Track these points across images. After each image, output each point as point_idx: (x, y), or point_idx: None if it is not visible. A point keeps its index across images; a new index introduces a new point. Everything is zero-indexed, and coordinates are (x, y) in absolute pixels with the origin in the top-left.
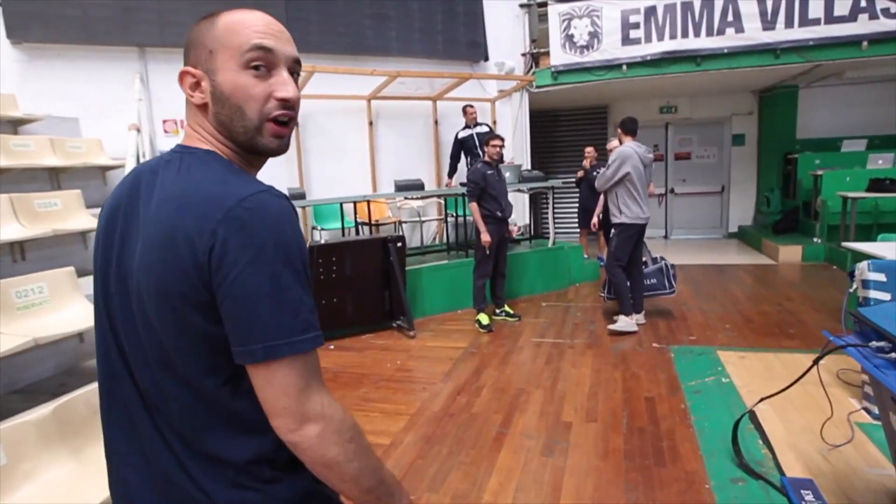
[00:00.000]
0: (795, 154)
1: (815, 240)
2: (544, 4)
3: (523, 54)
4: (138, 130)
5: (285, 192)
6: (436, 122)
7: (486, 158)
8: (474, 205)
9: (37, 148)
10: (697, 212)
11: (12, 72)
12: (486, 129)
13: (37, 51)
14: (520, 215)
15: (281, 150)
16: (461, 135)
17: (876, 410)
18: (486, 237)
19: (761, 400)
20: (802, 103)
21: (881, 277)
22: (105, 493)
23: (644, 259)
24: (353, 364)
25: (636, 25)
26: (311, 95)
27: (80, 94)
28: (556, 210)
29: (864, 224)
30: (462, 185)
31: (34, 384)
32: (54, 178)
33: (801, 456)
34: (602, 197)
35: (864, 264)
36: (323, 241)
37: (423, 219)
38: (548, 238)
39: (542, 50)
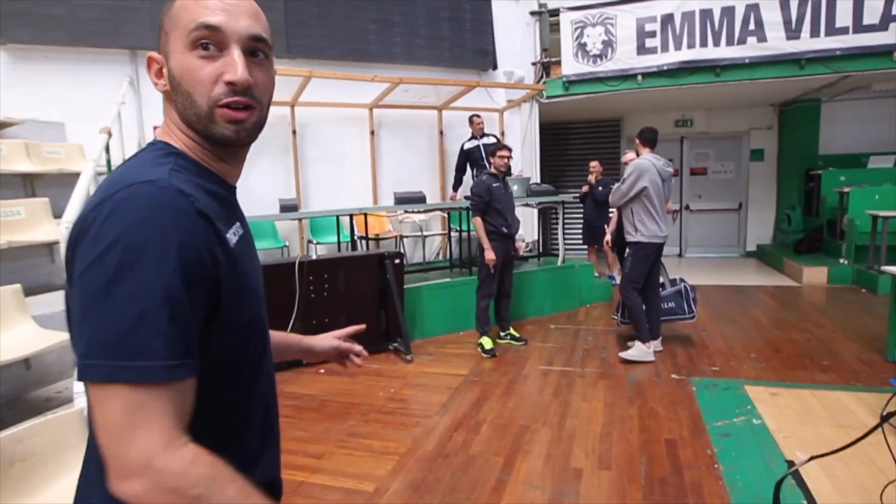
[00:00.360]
0: (818, 170)
1: (841, 261)
2: (556, 12)
3: (534, 63)
4: (110, 134)
5: (276, 202)
6: (441, 133)
7: (493, 170)
8: (478, 219)
9: (10, 153)
10: (713, 229)
11: None
12: (493, 140)
13: (22, 52)
14: (528, 231)
15: (240, 138)
16: (467, 146)
17: None
18: (490, 255)
19: (812, 458)
20: (825, 117)
21: None
22: None
23: (661, 281)
24: (342, 391)
25: (652, 34)
26: (311, 103)
27: (66, 97)
28: (566, 226)
29: (895, 245)
30: (466, 198)
31: None
32: (28, 184)
33: None
34: (616, 213)
35: None
36: (315, 257)
37: (425, 233)
38: (557, 255)
39: (554, 59)
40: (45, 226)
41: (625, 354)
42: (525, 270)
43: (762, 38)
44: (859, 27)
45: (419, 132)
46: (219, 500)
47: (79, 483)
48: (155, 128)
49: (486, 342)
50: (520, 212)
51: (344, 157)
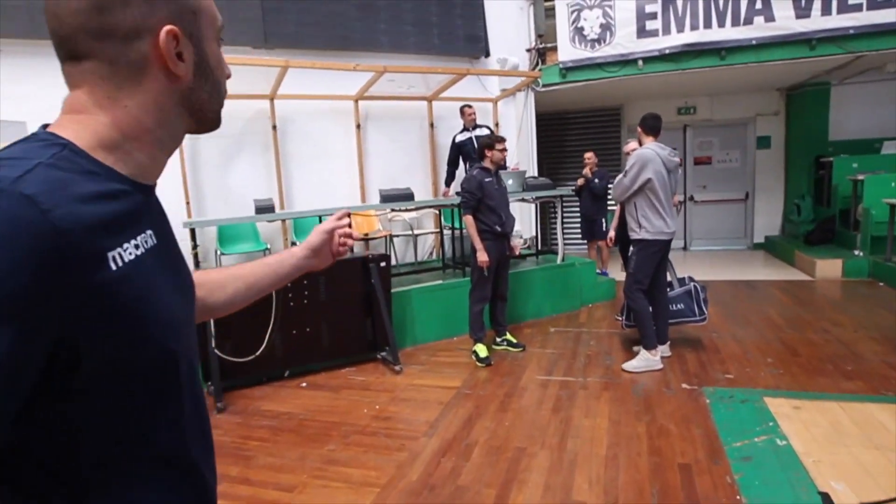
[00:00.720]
0: (829, 157)
1: (856, 252)
2: None
3: (528, 50)
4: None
5: (251, 203)
6: (431, 125)
7: (486, 164)
8: (469, 218)
9: None
10: (719, 221)
11: None
12: (486, 131)
13: None
14: (526, 227)
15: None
16: (459, 138)
17: None
18: (482, 256)
19: None
20: (835, 102)
21: None
22: None
23: (669, 280)
24: (323, 408)
25: (653, 16)
26: (291, 95)
27: (26, 94)
28: (565, 221)
29: None
30: (458, 194)
31: None
32: None
33: None
34: (619, 208)
35: None
36: None
37: (416, 232)
38: (556, 253)
39: (550, 45)
40: None
41: (629, 366)
42: (522, 270)
43: (770, 18)
44: (874, 4)
45: (409, 125)
46: None
47: None
48: None
49: (481, 350)
50: (516, 207)
51: (329, 153)
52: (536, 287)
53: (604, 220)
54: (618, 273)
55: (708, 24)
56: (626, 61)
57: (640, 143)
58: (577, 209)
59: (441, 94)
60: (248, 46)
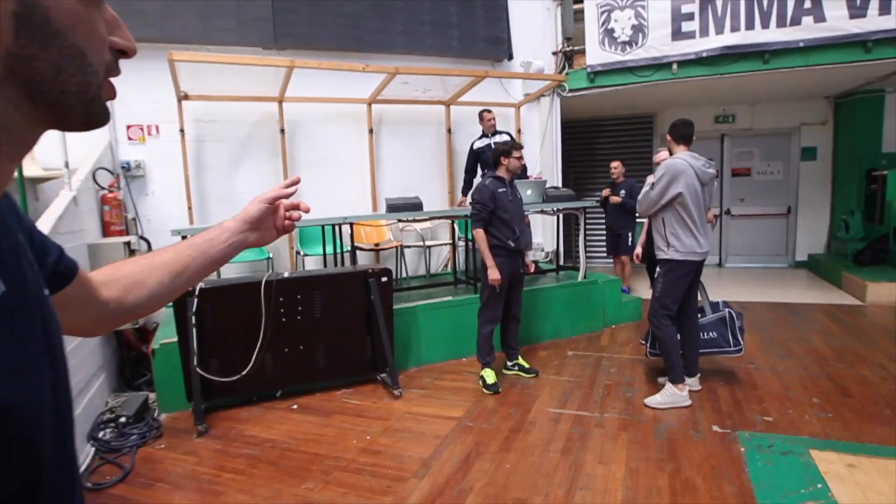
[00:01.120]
0: (882, 171)
1: None
2: None
3: (554, 53)
4: None
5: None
6: (449, 131)
7: (502, 173)
8: (480, 232)
9: None
10: (758, 236)
11: None
12: (506, 138)
13: None
14: (549, 240)
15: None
16: (477, 145)
17: None
18: (493, 274)
19: None
20: (890, 110)
21: None
22: None
23: (700, 305)
24: (310, 436)
25: (689, 16)
26: (300, 98)
27: None
28: (588, 235)
29: None
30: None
31: None
32: None
33: None
34: (646, 222)
35: None
36: (286, 275)
37: (428, 243)
38: (577, 269)
39: (577, 48)
40: None
41: (652, 402)
42: (540, 286)
43: (820, 18)
44: None
45: (425, 130)
46: None
47: None
48: (129, 127)
49: (489, 375)
50: (537, 219)
51: (340, 159)
52: (555, 305)
53: (631, 234)
54: (644, 289)
55: (750, 26)
56: (659, 65)
57: (671, 153)
58: (602, 222)
59: (460, 97)
60: (259, 47)
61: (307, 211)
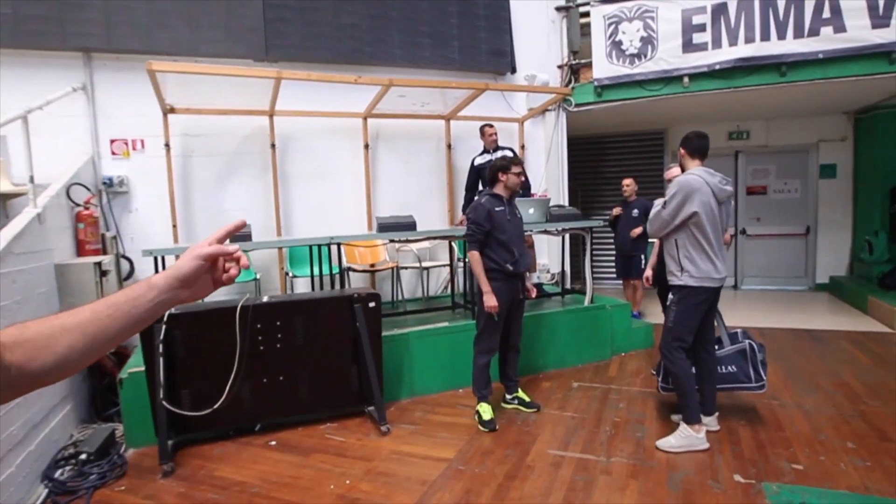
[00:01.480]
0: None
1: None
2: (587, 3)
3: (560, 66)
4: None
5: (253, 227)
6: (449, 146)
7: (499, 190)
8: (475, 254)
9: None
10: (776, 257)
11: None
12: (508, 154)
13: None
14: (554, 262)
15: None
16: (478, 161)
17: None
18: (490, 300)
19: None
20: None
21: None
22: None
23: (717, 335)
24: (284, 479)
25: (701, 27)
26: (291, 112)
27: (8, 106)
28: (599, 256)
29: None
30: None
31: None
32: None
33: None
34: (657, 243)
35: None
36: (265, 300)
37: (424, 264)
38: (584, 293)
39: (584, 61)
40: None
41: (665, 445)
42: (544, 311)
43: (840, 28)
44: None
45: (423, 145)
46: None
47: None
48: (112, 141)
49: (485, 411)
50: (542, 239)
51: (334, 175)
52: (560, 332)
53: (643, 255)
54: (656, 313)
55: (766, 37)
56: (669, 78)
57: (683, 169)
58: (612, 243)
59: (460, 111)
60: (249, 59)
61: (246, 267)
